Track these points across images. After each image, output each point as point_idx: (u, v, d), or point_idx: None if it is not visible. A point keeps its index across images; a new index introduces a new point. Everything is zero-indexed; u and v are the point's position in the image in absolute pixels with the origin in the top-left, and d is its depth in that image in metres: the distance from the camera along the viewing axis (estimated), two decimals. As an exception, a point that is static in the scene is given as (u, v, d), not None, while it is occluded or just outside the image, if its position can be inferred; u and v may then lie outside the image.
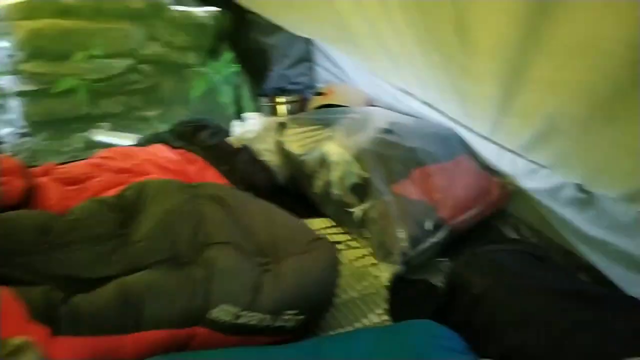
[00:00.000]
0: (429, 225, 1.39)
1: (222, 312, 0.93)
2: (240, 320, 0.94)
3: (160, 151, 1.68)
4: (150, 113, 3.53)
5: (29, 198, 1.29)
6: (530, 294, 1.03)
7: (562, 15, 0.63)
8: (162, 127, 2.30)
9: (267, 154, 1.91)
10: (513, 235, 1.56)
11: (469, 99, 1.22)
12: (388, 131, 1.59)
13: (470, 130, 1.51)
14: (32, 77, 3.25)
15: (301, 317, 0.99)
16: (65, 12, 3.28)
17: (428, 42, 1.01)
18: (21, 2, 3.15)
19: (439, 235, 1.41)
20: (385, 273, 1.31)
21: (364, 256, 1.49)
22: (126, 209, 1.16)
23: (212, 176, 1.63)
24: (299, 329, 1.00)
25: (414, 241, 1.36)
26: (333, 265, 1.09)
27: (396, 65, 1.36)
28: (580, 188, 1.24)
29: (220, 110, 3.22)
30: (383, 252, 1.33)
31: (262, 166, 1.77)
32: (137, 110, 3.58)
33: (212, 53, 2.07)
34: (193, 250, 1.02)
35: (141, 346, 0.87)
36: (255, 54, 2.04)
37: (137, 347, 0.87)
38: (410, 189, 1.43)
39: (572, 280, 1.11)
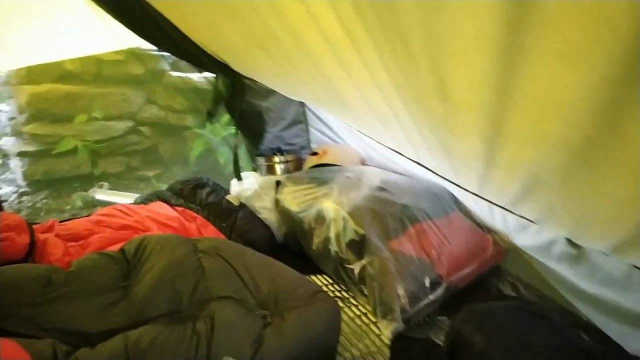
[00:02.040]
0: (427, 282, 1.41)
1: (225, 365, 0.92)
2: (243, 374, 0.93)
3: (160, 208, 1.71)
4: (149, 173, 3.61)
5: (32, 254, 1.30)
6: (530, 351, 1.03)
7: (527, 71, 0.67)
8: (161, 186, 2.35)
9: (265, 211, 1.94)
10: (510, 292, 1.57)
11: (455, 155, 1.22)
12: (381, 189, 1.63)
13: (460, 187, 1.53)
14: (33, 138, 3.34)
15: (303, 370, 0.99)
16: (66, 77, 3.44)
17: (412, 100, 1.03)
18: (24, 68, 3.27)
19: (437, 293, 1.41)
20: (386, 330, 1.29)
21: (363, 314, 1.49)
22: (127, 262, 1.17)
23: (211, 232, 1.65)
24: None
25: (413, 298, 1.36)
26: (335, 318, 1.10)
27: (384, 125, 1.39)
28: (570, 243, 1.24)
29: (218, 170, 3.30)
30: (383, 309, 1.32)
31: (260, 223, 1.80)
32: (137, 170, 3.67)
33: (210, 116, 2.15)
34: (194, 305, 1.02)
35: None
36: (252, 116, 2.12)
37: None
38: (407, 246, 1.44)
39: (571, 337, 1.11)
